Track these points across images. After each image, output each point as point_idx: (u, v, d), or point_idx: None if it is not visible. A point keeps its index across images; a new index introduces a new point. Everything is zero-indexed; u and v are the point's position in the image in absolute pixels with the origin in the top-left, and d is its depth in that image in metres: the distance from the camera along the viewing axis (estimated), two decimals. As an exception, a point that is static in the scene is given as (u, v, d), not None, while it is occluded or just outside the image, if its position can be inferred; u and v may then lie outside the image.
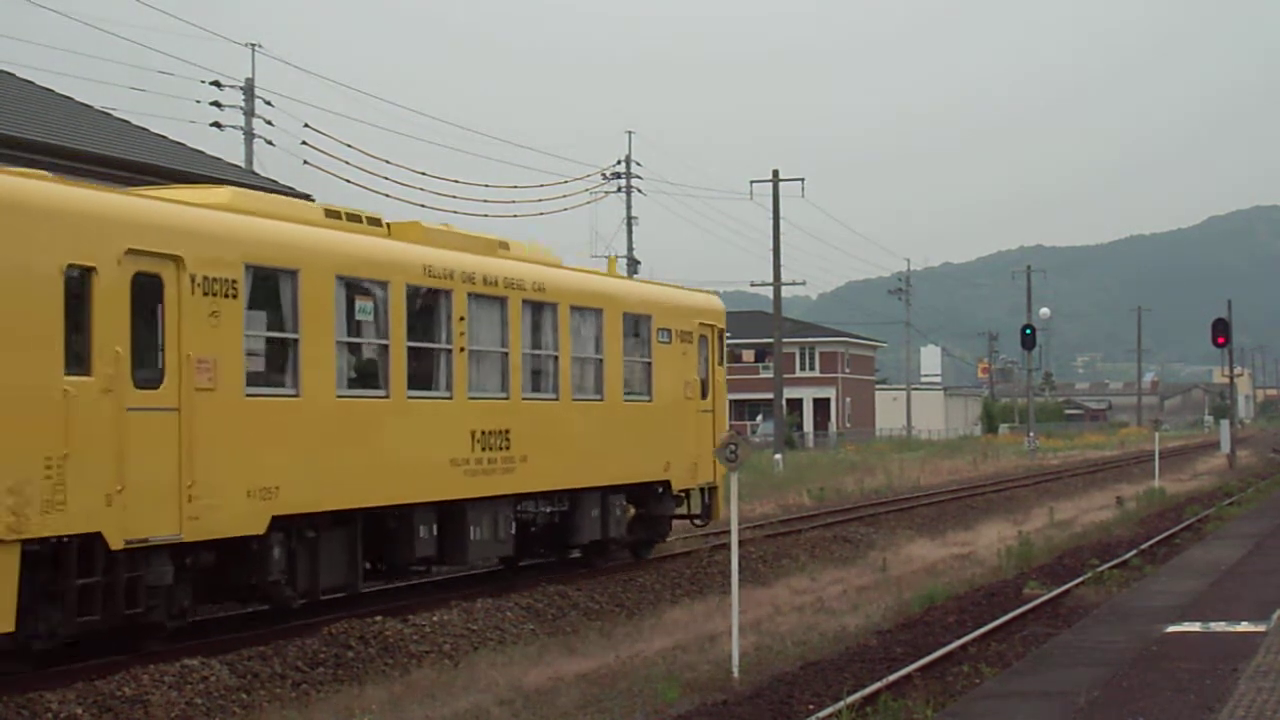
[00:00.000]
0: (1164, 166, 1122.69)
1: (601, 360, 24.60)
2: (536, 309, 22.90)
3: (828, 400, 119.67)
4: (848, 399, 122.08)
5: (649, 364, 26.10)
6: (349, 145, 57.14)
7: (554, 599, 22.19)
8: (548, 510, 23.68)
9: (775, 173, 65.76)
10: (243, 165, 43.37)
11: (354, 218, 20.08)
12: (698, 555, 27.42)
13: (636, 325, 25.87)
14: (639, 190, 66.97)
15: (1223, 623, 18.86)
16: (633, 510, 26.33)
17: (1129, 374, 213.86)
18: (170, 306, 16.28)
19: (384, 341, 19.59)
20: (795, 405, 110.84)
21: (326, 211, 19.77)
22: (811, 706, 14.69)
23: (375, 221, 20.51)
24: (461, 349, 20.97)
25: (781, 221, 65.37)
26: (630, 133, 69.52)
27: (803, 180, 66.48)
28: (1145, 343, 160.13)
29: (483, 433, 21.28)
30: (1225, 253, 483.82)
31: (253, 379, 17.38)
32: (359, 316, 19.38)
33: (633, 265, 65.01)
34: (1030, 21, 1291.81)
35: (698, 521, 28.69)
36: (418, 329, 20.31)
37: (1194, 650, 16.96)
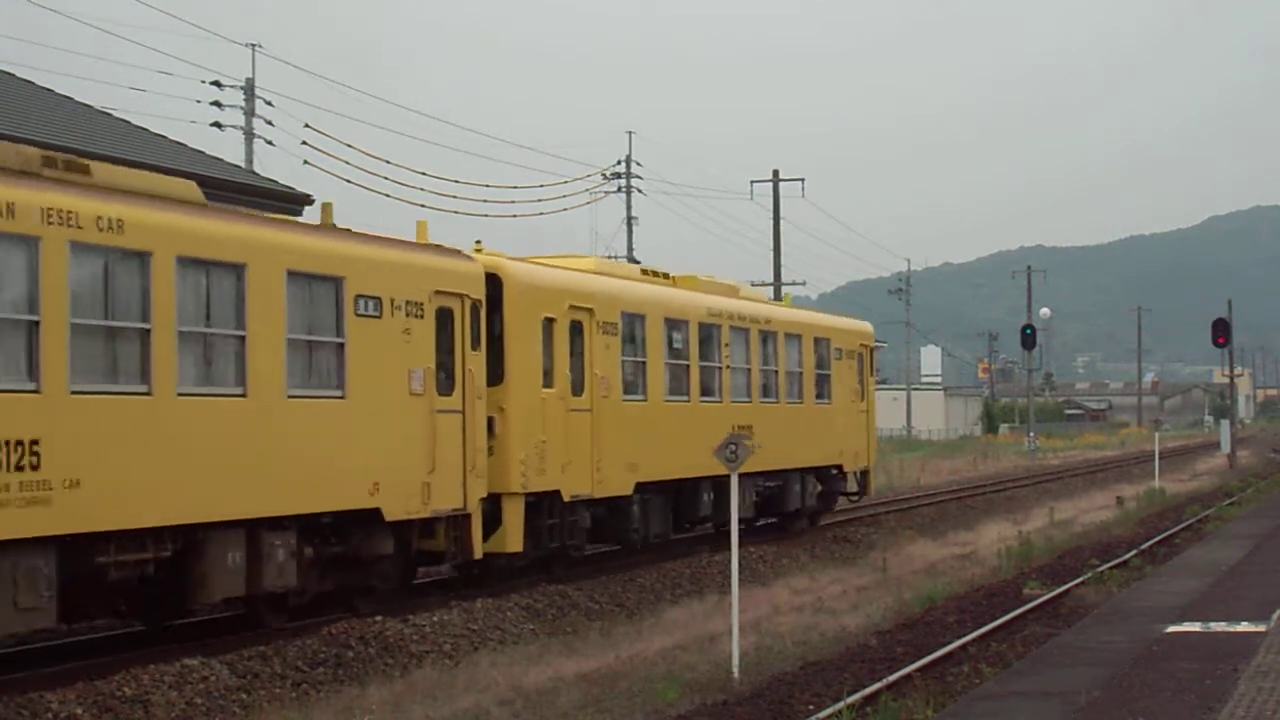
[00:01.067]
0: (1164, 166, 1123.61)
1: (801, 373, 32.75)
2: (765, 337, 30.70)
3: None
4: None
5: (829, 375, 34.14)
6: (349, 145, 57.05)
7: (554, 599, 22.19)
8: (771, 485, 30.67)
9: (775, 172, 65.75)
10: (243, 165, 43.35)
11: (658, 274, 28.18)
12: (697, 556, 27.42)
13: (821, 346, 33.87)
14: (639, 190, 66.94)
15: (1223, 623, 18.85)
16: (818, 487, 33.83)
17: (1129, 374, 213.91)
18: (586, 341, 23.93)
19: (685, 362, 27.41)
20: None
21: (642, 271, 28.20)
22: (811, 706, 14.70)
23: (666, 276, 28.37)
24: (727, 366, 28.85)
25: (782, 221, 65.43)
26: (630, 133, 69.53)
27: (803, 180, 66.47)
28: (1145, 343, 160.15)
29: (737, 426, 27.71)
30: (1225, 253, 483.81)
31: (626, 389, 25.20)
32: (675, 344, 27.07)
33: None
34: (1030, 22, 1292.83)
35: (854, 497, 36.54)
36: (703, 354, 28.11)
37: (1194, 650, 16.96)
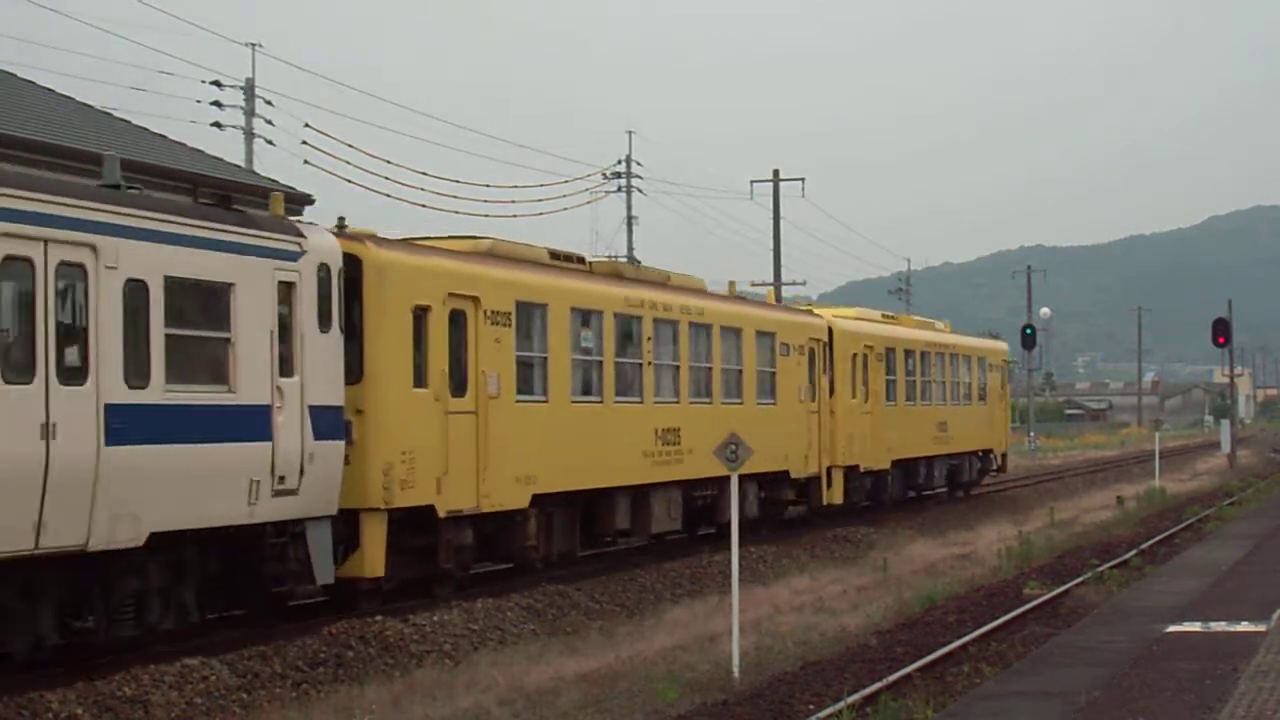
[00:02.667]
0: (1164, 166, 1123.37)
1: (970, 383, 43.45)
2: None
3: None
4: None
5: (977, 383, 44.68)
6: (349, 145, 57.02)
7: (554, 599, 22.18)
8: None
9: (775, 172, 65.71)
10: (243, 165, 43.34)
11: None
12: (697, 556, 27.41)
13: (984, 362, 45.83)
14: (639, 190, 66.93)
15: (1223, 622, 18.86)
16: (980, 466, 45.80)
17: (1129, 374, 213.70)
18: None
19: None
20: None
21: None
22: (812, 706, 14.70)
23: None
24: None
25: (782, 221, 65.41)
26: (630, 133, 69.61)
27: (803, 180, 66.42)
28: (1145, 343, 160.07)
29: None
30: (1225, 253, 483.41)
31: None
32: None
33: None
34: (1030, 21, 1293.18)
35: (994, 472, 47.83)
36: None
37: (1194, 650, 16.96)
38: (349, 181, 44.39)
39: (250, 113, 48.58)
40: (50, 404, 14.76)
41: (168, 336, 16.15)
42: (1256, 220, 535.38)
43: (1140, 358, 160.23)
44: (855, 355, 34.70)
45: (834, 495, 33.46)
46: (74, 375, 15.10)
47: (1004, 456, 48.15)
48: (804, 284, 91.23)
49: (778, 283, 65.13)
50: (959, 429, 42.24)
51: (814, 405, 32.68)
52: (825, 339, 33.57)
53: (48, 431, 14.69)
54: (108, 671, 15.54)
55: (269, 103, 48.80)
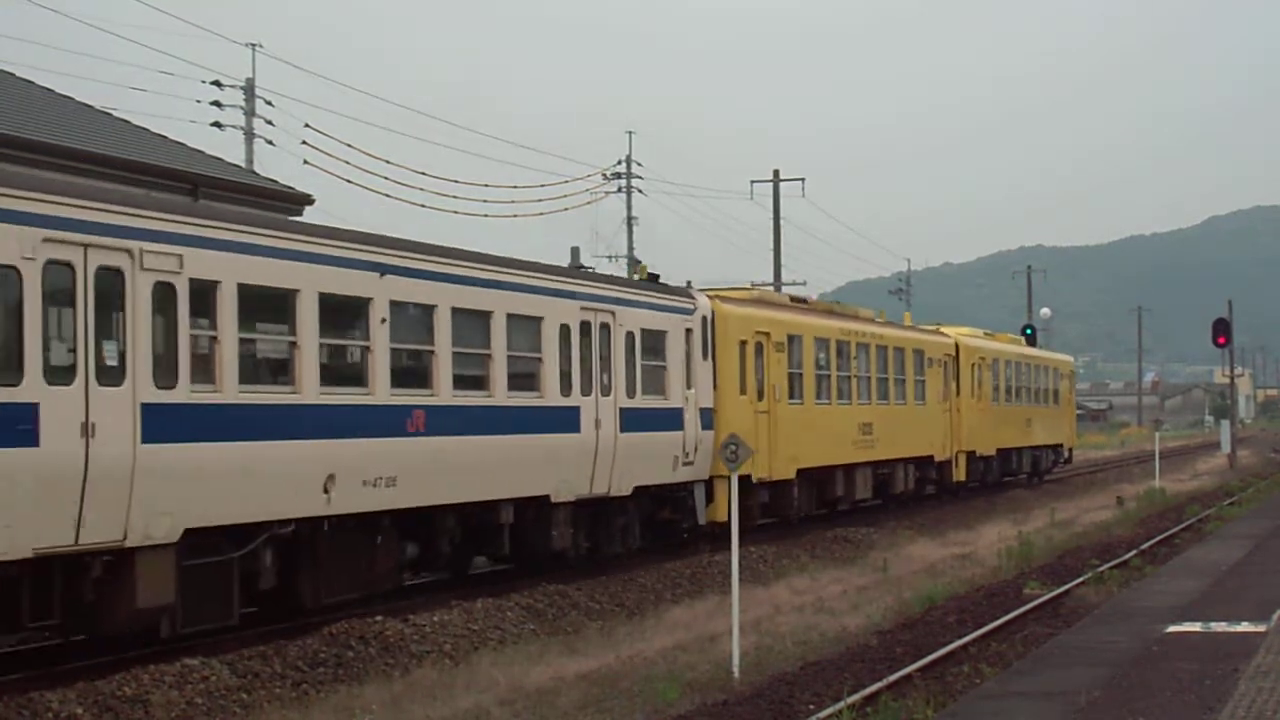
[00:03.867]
0: (1164, 166, 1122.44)
1: (1047, 389, 53.14)
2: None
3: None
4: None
5: (1052, 389, 54.16)
6: (349, 145, 57.03)
7: (554, 599, 22.19)
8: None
9: (776, 172, 65.67)
10: (243, 165, 43.32)
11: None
12: (697, 556, 27.41)
13: (1057, 372, 55.74)
14: (639, 190, 66.90)
15: (1223, 623, 18.86)
16: (1052, 457, 55.14)
17: (1129, 374, 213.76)
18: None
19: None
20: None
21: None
22: (812, 706, 14.70)
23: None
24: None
25: (782, 221, 65.43)
26: (630, 133, 69.53)
27: (803, 180, 66.41)
28: (1145, 343, 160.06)
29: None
30: (1225, 253, 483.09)
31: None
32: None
33: (633, 265, 64.96)
34: (1030, 21, 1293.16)
35: (1063, 463, 57.48)
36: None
37: (1194, 650, 16.96)
38: (349, 181, 44.41)
39: (250, 113, 48.57)
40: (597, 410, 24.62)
41: (632, 364, 25.71)
42: (1256, 220, 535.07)
43: (1140, 358, 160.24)
44: (974, 365, 44.60)
45: (960, 474, 43.47)
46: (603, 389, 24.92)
47: (1071, 450, 59.01)
48: (804, 284, 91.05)
49: (778, 283, 65.09)
50: (1040, 426, 52.32)
51: (947, 405, 42.51)
52: (954, 353, 43.41)
53: (595, 422, 24.58)
54: (108, 671, 15.55)
55: (269, 103, 48.79)
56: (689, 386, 27.37)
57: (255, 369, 17.65)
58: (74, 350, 15.12)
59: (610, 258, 64.75)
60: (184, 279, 16.33)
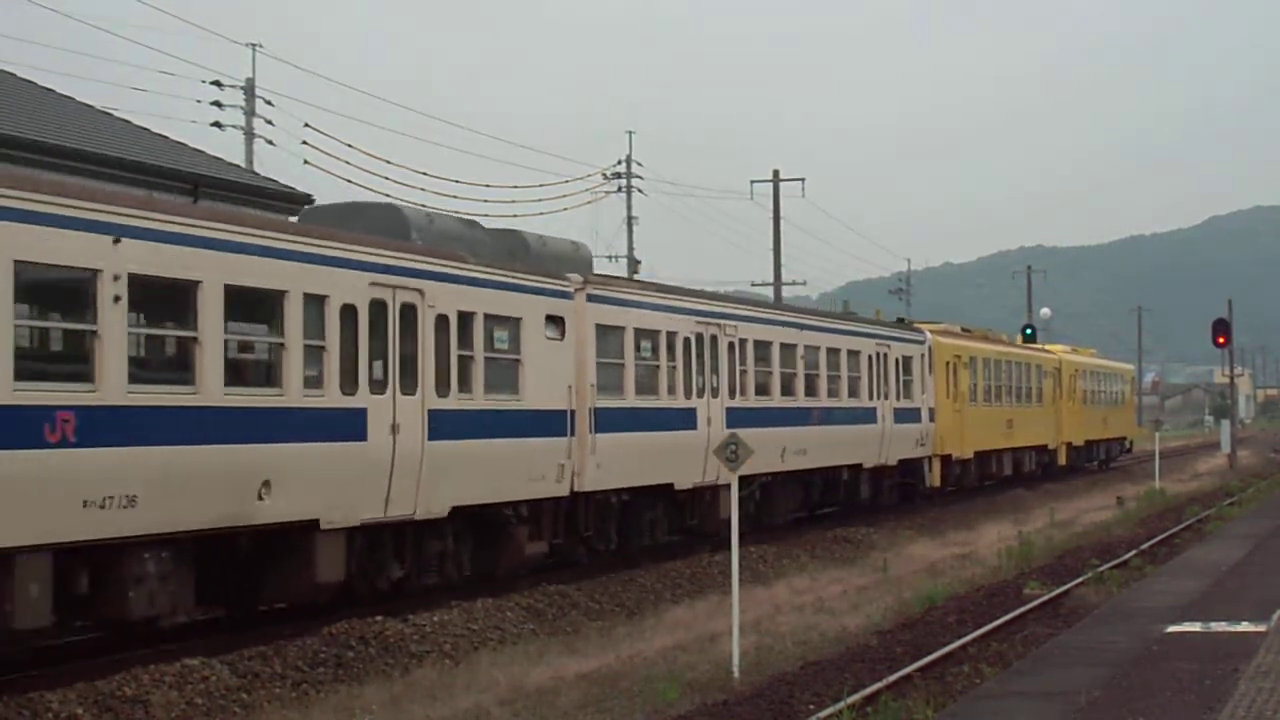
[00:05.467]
0: (1164, 166, 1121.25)
1: (1116, 392, 67.48)
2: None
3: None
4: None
5: (1119, 392, 68.74)
6: (349, 145, 57.09)
7: (554, 599, 22.19)
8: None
9: (776, 172, 65.64)
10: (243, 165, 43.33)
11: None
12: (698, 556, 27.41)
13: (1122, 378, 70.20)
14: (639, 190, 66.89)
15: (1223, 623, 18.86)
16: (1119, 448, 69.83)
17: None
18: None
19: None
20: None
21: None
22: (812, 706, 14.70)
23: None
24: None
25: (782, 221, 65.44)
26: (631, 133, 69.51)
27: (803, 180, 66.37)
28: (1145, 343, 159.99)
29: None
30: (1225, 253, 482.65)
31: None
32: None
33: (633, 265, 64.99)
34: (1031, 20, 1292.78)
35: (1126, 452, 71.45)
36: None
37: (1194, 650, 16.96)
38: (349, 181, 44.44)
39: (250, 113, 48.56)
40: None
41: (898, 380, 38.87)
42: (1256, 220, 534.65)
43: (1140, 358, 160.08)
44: (1071, 375, 58.34)
45: (1061, 459, 56.70)
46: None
47: (1131, 443, 72.33)
48: (804, 284, 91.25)
49: (778, 283, 65.12)
50: (1114, 422, 66.85)
51: (1054, 406, 55.71)
52: (1058, 366, 56.89)
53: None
54: (108, 671, 15.55)
55: (269, 103, 48.79)
56: (923, 392, 40.13)
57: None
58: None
59: (610, 258, 64.77)
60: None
